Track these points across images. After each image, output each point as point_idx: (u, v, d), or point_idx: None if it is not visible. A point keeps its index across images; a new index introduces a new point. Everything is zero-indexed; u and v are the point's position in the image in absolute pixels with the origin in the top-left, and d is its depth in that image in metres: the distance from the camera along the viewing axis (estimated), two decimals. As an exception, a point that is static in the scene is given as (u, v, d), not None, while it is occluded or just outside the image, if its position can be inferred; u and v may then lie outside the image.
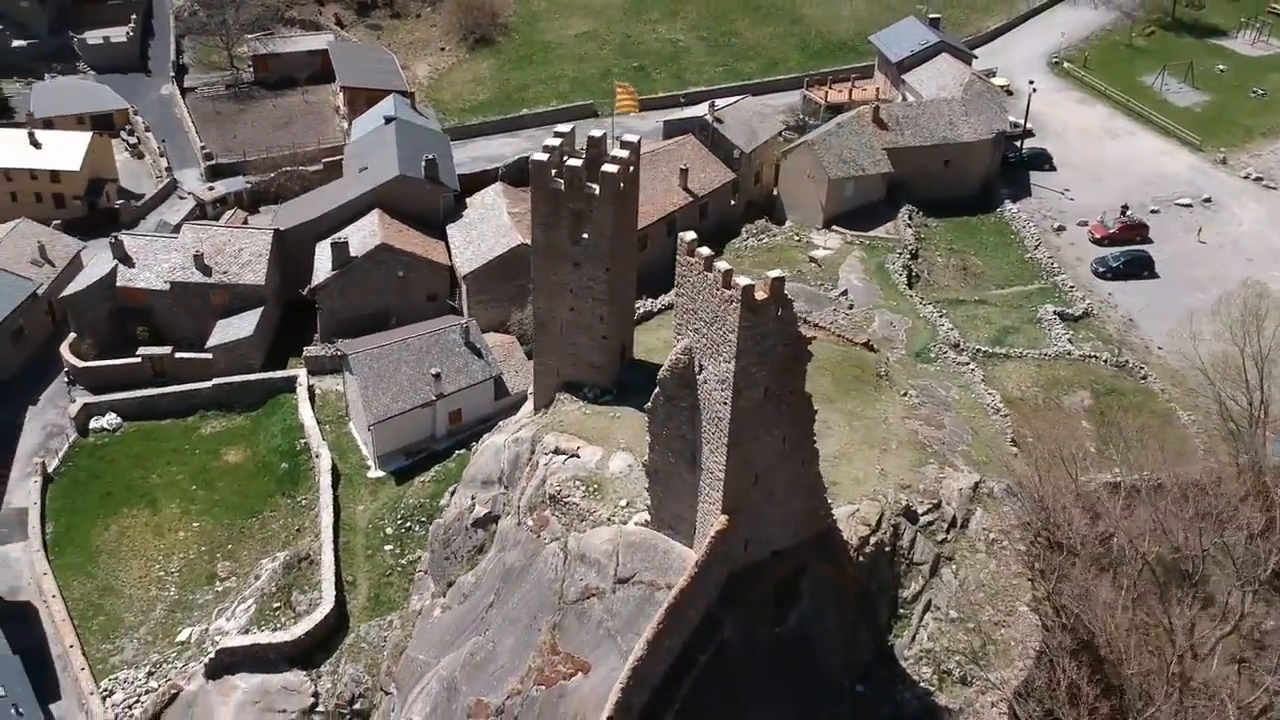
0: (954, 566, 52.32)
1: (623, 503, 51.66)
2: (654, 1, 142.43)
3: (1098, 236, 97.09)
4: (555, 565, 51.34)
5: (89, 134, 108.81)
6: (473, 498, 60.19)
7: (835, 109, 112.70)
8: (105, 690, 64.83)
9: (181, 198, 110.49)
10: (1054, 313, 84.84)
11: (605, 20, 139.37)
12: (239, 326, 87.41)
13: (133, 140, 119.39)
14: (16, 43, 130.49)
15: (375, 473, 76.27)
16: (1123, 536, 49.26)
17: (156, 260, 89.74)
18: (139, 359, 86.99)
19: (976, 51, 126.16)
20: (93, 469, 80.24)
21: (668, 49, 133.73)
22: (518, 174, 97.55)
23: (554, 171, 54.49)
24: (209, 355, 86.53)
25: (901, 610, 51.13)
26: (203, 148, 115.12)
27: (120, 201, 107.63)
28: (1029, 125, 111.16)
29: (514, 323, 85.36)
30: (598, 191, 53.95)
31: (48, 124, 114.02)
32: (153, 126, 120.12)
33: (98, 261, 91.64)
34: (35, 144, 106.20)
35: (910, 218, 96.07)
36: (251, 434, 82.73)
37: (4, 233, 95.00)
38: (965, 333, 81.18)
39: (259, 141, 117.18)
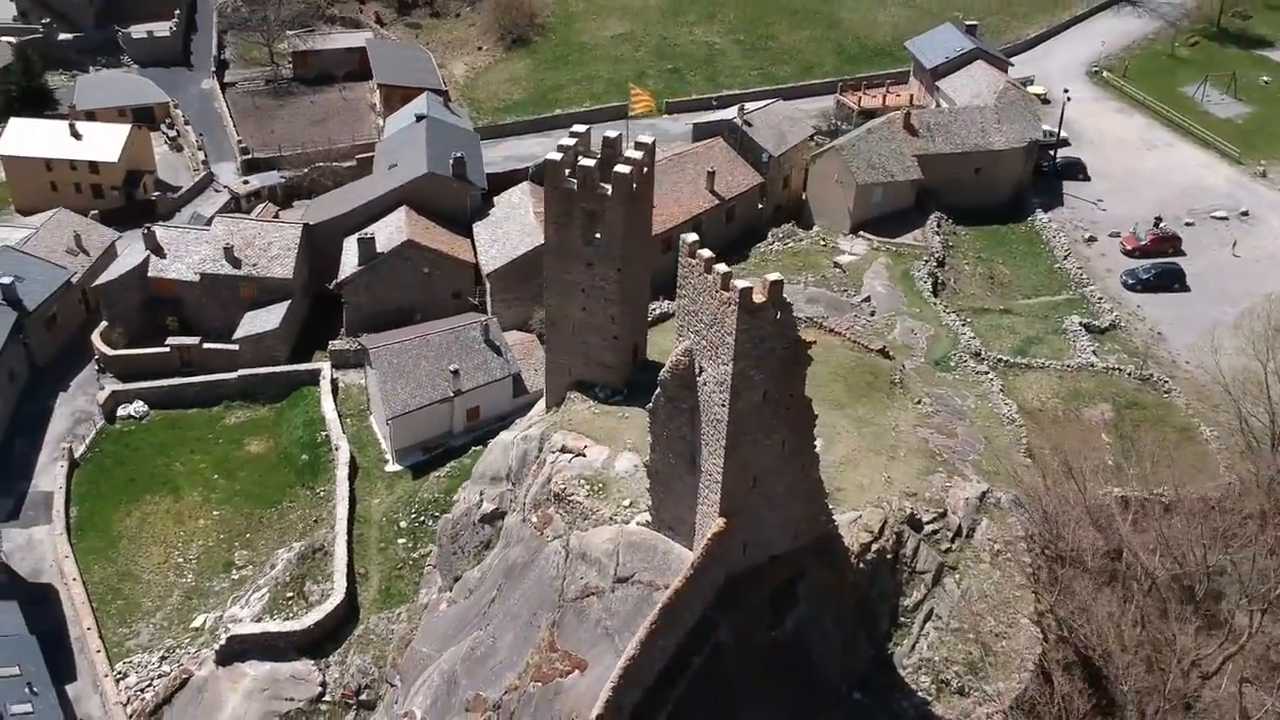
0: (957, 576, 51.93)
1: (626, 502, 51.81)
2: (692, 4, 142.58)
3: (1129, 248, 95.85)
4: (557, 563, 51.59)
5: (128, 126, 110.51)
6: (481, 494, 60.66)
7: (868, 114, 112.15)
8: (119, 673, 65.92)
9: (217, 191, 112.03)
10: (1080, 324, 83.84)
11: (642, 22, 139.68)
12: (266, 319, 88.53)
13: (172, 133, 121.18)
14: (63, 36, 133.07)
15: (393, 466, 77.00)
16: (1129, 552, 48.60)
17: (188, 251, 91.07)
18: (168, 348, 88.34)
19: (1016, 59, 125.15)
20: (118, 455, 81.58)
21: (703, 51, 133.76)
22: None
23: (567, 171, 54.76)
24: (236, 346, 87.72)
25: (902, 618, 50.84)
26: (239, 142, 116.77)
27: (157, 193, 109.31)
28: (1065, 134, 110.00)
29: (535, 321, 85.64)
30: (610, 192, 54.09)
31: (90, 116, 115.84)
32: (192, 120, 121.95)
33: (131, 252, 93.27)
34: (76, 135, 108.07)
35: (939, 225, 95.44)
36: (274, 425, 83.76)
37: (41, 222, 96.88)
38: (988, 342, 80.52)
39: (295, 137, 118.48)
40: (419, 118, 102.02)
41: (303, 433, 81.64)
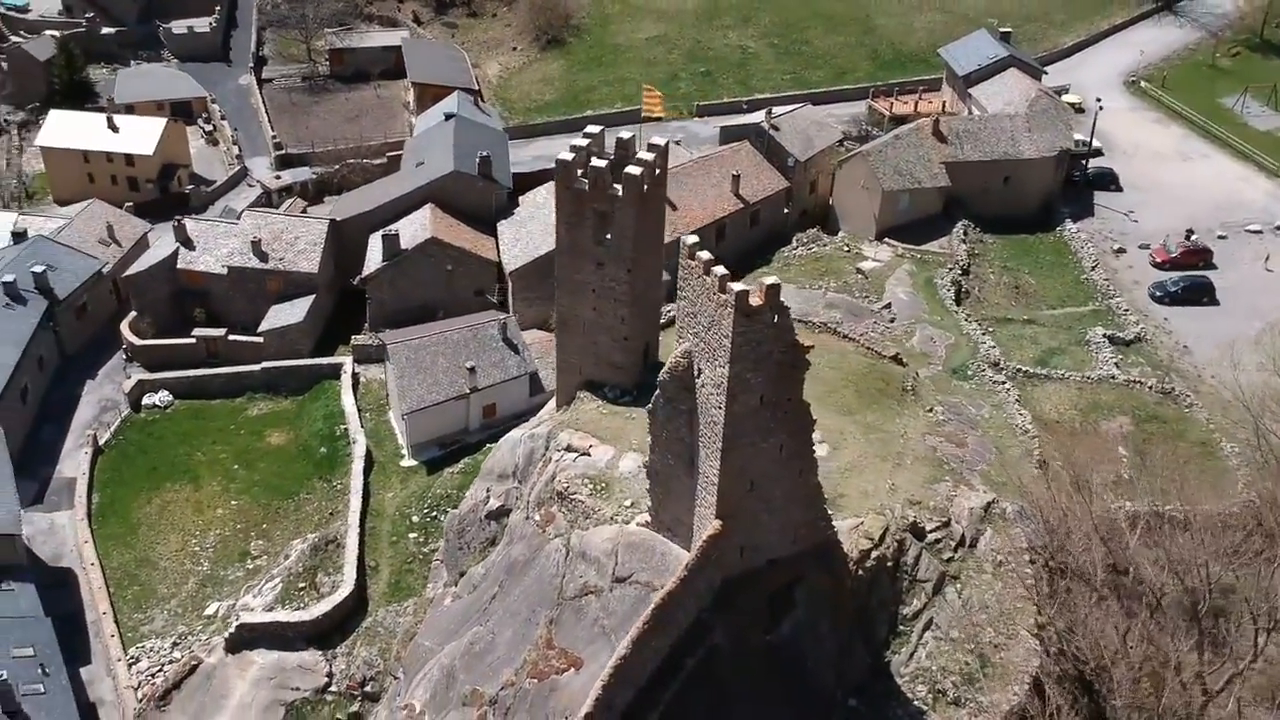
0: (959, 586, 51.52)
1: (628, 502, 51.86)
2: (727, 8, 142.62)
3: (1159, 260, 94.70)
4: (557, 561, 51.74)
5: (164, 120, 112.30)
6: (488, 490, 61.02)
7: (899, 120, 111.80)
8: (132, 657, 66.89)
9: (250, 185, 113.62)
10: (1103, 335, 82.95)
11: (677, 25, 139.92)
12: (290, 312, 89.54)
13: (209, 128, 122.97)
14: (106, 30, 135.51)
15: (408, 461, 77.62)
16: (1134, 567, 48.03)
17: (216, 244, 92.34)
18: (194, 339, 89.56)
19: (1052, 68, 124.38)
20: (141, 444, 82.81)
21: (736, 55, 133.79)
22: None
23: (579, 171, 54.93)
24: (260, 339, 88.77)
25: (901, 627, 50.48)
26: (273, 137, 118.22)
27: (191, 186, 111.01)
28: (1098, 144, 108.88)
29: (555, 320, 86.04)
30: (621, 193, 54.22)
31: (129, 109, 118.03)
32: (229, 115, 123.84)
33: (161, 244, 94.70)
34: (113, 128, 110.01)
35: (965, 233, 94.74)
36: (295, 418, 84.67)
37: (75, 213, 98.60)
38: (1009, 352, 79.86)
39: (329, 133, 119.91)
40: (448, 116, 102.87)
41: (322, 426, 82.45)
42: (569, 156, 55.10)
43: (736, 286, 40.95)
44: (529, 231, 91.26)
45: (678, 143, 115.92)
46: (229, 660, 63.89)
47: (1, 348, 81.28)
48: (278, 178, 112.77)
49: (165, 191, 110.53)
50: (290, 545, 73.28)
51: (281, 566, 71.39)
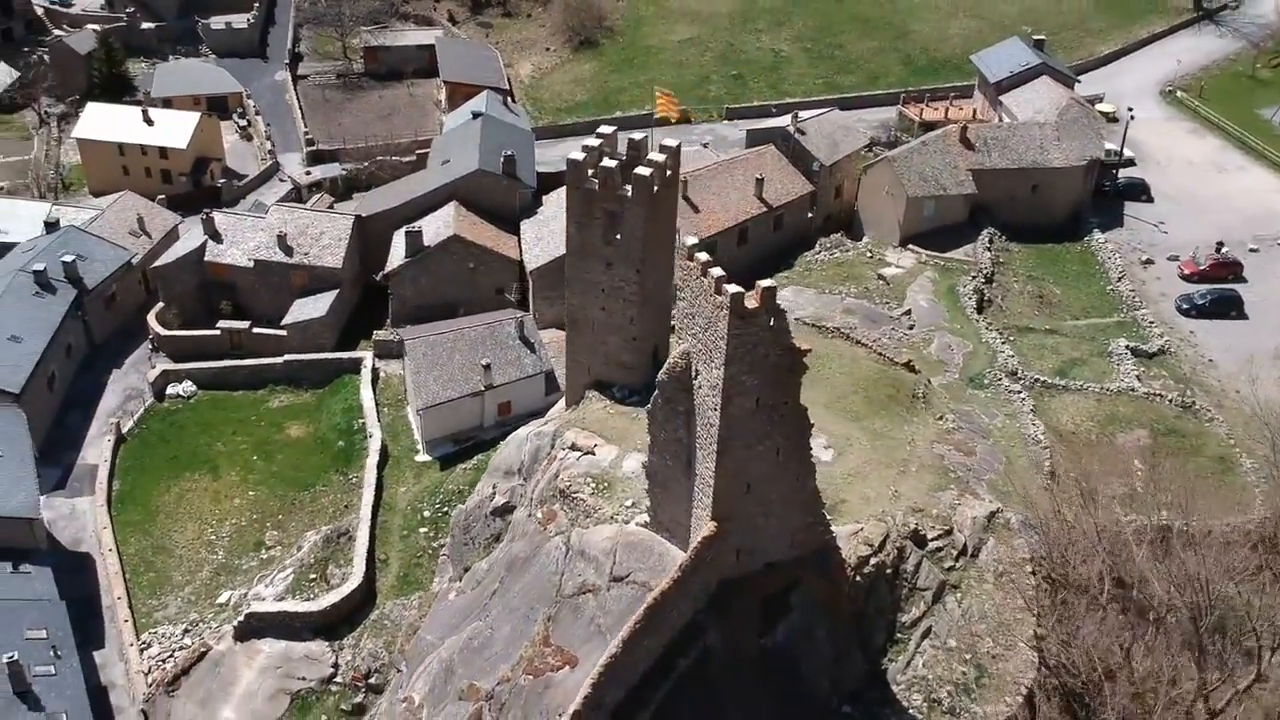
0: (959, 595, 51.16)
1: (629, 502, 51.95)
2: (761, 11, 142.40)
3: (1187, 273, 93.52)
4: (557, 559, 51.93)
5: (197, 114, 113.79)
6: (494, 487, 61.36)
7: (929, 127, 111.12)
8: (144, 643, 67.82)
9: (282, 180, 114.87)
10: (1126, 347, 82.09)
11: (710, 27, 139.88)
12: (313, 307, 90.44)
13: (243, 123, 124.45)
14: (146, 25, 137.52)
15: (422, 457, 78.15)
16: (1135, 581, 47.48)
17: (243, 238, 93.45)
18: (219, 331, 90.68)
19: (1087, 76, 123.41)
20: (163, 433, 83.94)
21: (769, 58, 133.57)
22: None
23: (590, 171, 55.13)
24: (283, 332, 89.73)
25: (899, 635, 50.21)
26: (305, 133, 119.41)
27: (223, 180, 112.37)
28: (1130, 153, 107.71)
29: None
30: (630, 193, 54.35)
31: (166, 103, 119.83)
32: (263, 110, 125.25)
33: (190, 236, 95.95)
34: (148, 121, 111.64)
35: (991, 241, 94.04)
36: (315, 411, 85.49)
37: (107, 204, 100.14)
38: (1029, 362, 79.25)
39: (361, 130, 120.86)
40: (475, 115, 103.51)
41: (341, 419, 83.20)
42: (580, 156, 55.37)
43: (732, 288, 40.97)
44: (551, 231, 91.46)
45: (705, 145, 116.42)
46: (237, 648, 64.62)
47: (29, 335, 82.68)
48: (308, 173, 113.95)
49: (198, 185, 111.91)
50: (304, 537, 73.97)
51: (294, 557, 72.08)
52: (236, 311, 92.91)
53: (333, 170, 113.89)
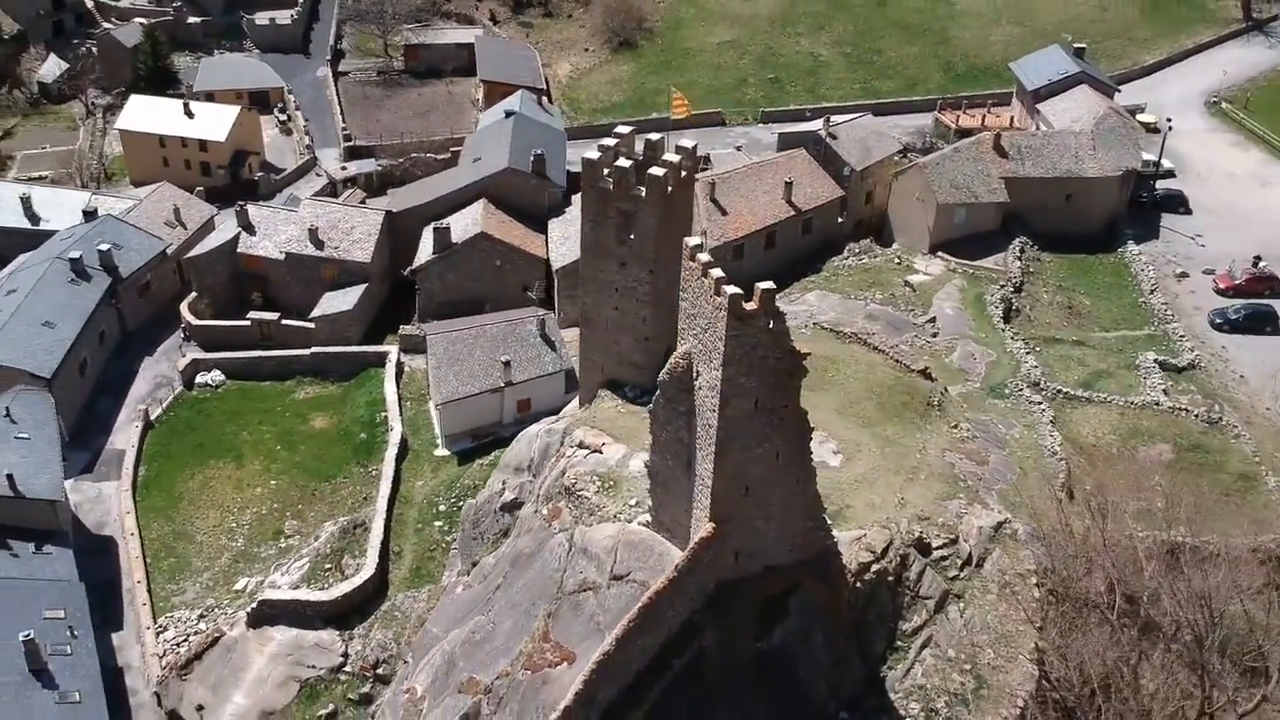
0: (961, 605, 50.72)
1: (632, 501, 52.09)
2: (802, 15, 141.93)
3: (1222, 287, 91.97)
4: (560, 555, 52.20)
5: (236, 108, 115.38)
6: (504, 482, 61.76)
7: (965, 134, 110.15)
8: (160, 626, 68.86)
9: (318, 175, 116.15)
10: (1154, 360, 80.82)
11: (750, 30, 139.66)
12: (342, 300, 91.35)
13: (284, 118, 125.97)
14: (192, 19, 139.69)
15: (441, 451, 78.68)
16: (1136, 595, 46.87)
17: (276, 231, 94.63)
18: (248, 322, 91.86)
19: (1130, 86, 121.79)
20: (190, 421, 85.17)
21: (807, 62, 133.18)
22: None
23: (605, 171, 55.32)
24: (311, 325, 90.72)
25: (899, 643, 49.86)
26: (343, 129, 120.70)
27: (261, 174, 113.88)
28: (1170, 165, 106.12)
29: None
30: (644, 194, 54.46)
31: (209, 97, 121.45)
32: (303, 106, 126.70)
33: (225, 228, 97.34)
34: (189, 114, 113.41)
35: (1022, 251, 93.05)
36: (339, 403, 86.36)
37: (145, 194, 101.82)
38: (1053, 373, 78.32)
39: (398, 127, 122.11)
40: (508, 114, 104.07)
41: (364, 412, 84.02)
42: (595, 155, 55.57)
43: (730, 290, 40.96)
44: (578, 230, 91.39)
45: (739, 149, 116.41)
46: (249, 635, 65.42)
47: (63, 321, 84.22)
48: (343, 169, 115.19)
49: (236, 177, 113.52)
50: (322, 527, 74.70)
51: (311, 547, 72.82)
52: (267, 303, 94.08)
53: (368, 166, 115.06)
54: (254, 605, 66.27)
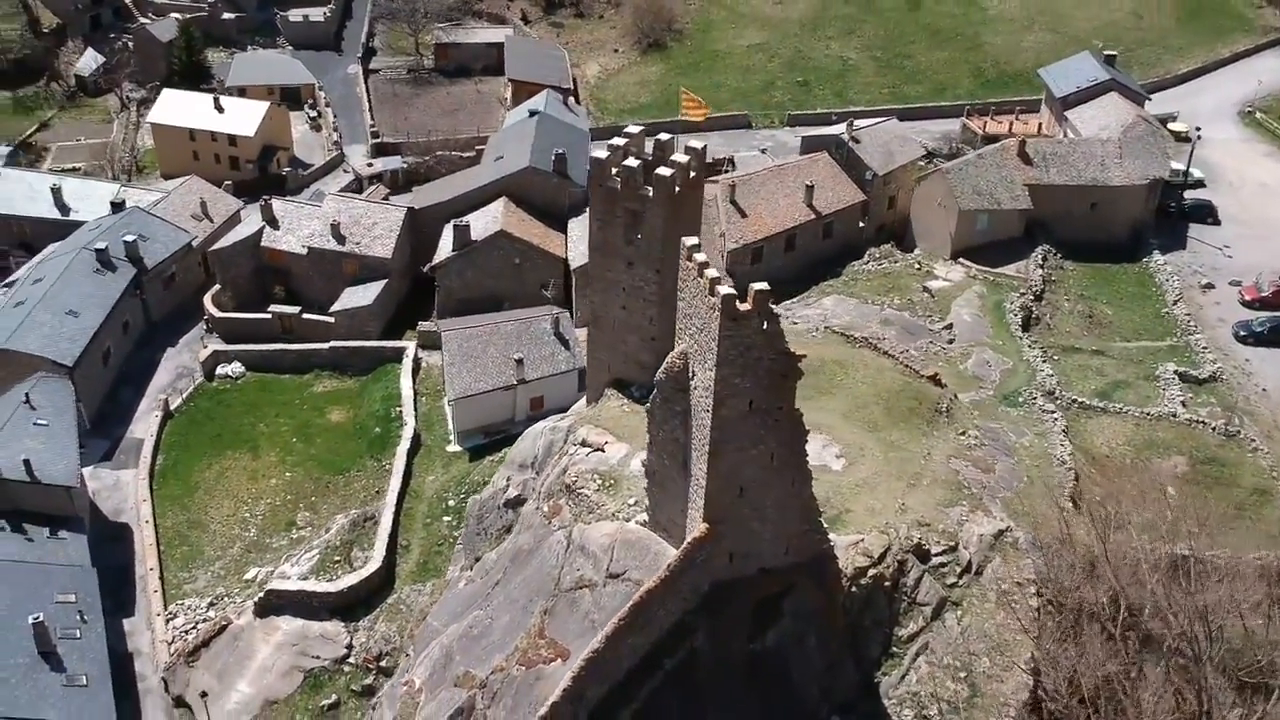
0: (959, 613, 50.35)
1: (632, 500, 52.13)
2: (832, 19, 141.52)
3: (1248, 299, 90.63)
4: (558, 552, 52.34)
5: (266, 103, 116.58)
6: (508, 479, 62.01)
7: (991, 140, 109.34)
8: (170, 613, 69.67)
9: (345, 171, 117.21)
10: (1174, 372, 79.73)
11: (780, 33, 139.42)
12: (362, 295, 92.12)
13: (314, 114, 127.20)
14: (226, 16, 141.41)
15: (453, 447, 79.12)
16: (1132, 608, 46.34)
17: (299, 225, 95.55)
18: (270, 315, 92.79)
19: (1163, 94, 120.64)
20: (209, 411, 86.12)
21: (836, 66, 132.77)
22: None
23: (613, 170, 55.41)
24: (331, 319, 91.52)
25: (895, 648, 49.57)
26: (371, 126, 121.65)
27: (288, 169, 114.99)
28: (1201, 175, 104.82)
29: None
30: (651, 193, 54.49)
31: (241, 92, 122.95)
32: (333, 103, 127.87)
33: (250, 221, 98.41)
34: (219, 108, 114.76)
35: (1044, 258, 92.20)
36: (356, 397, 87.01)
37: (173, 187, 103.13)
38: (1070, 382, 77.49)
39: (426, 125, 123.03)
40: (532, 113, 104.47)
41: (380, 407, 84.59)
42: (604, 154, 55.68)
43: (724, 290, 40.92)
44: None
45: (764, 151, 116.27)
46: (256, 624, 66.06)
47: (87, 311, 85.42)
48: (370, 165, 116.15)
49: (264, 172, 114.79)
50: (333, 519, 75.35)
51: (321, 539, 73.44)
52: (289, 297, 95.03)
53: (393, 163, 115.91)
54: (261, 595, 66.85)
